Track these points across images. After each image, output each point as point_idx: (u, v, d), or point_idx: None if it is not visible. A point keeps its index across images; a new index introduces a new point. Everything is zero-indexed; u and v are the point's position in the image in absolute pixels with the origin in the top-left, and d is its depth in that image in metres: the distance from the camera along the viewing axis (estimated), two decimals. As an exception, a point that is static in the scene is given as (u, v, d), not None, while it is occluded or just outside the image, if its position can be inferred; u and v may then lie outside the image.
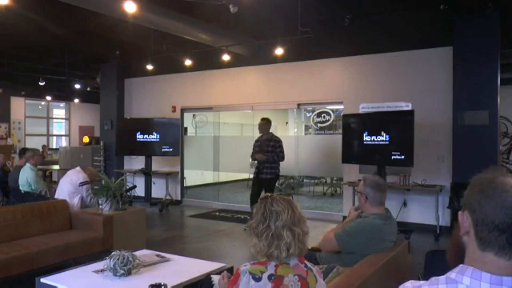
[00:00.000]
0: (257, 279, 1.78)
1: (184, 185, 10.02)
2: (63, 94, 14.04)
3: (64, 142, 16.13)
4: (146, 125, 9.34)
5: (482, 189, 0.99)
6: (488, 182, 0.99)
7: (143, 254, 3.55)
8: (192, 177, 10.61)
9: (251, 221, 1.95)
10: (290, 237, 1.85)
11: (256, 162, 6.94)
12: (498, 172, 1.01)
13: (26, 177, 6.01)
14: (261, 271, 1.80)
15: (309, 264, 1.94)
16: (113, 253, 3.01)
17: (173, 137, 9.29)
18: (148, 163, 9.33)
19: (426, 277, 1.05)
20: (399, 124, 6.31)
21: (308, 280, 1.87)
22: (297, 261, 1.88)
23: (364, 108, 7.09)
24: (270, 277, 1.80)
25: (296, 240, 1.86)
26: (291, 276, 1.83)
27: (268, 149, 6.70)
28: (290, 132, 13.19)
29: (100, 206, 5.02)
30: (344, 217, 6.17)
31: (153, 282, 2.34)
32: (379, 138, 6.38)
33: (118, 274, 2.95)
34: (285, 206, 1.90)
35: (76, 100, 14.53)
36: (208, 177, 10.76)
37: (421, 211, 7.04)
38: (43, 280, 2.98)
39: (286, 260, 1.85)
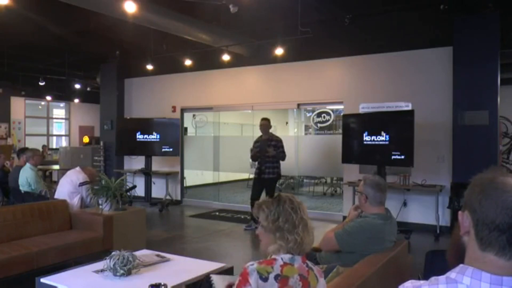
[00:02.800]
0: (264, 279, 1.78)
1: (184, 185, 10.02)
2: (63, 94, 14.04)
3: (64, 142, 16.13)
4: (146, 125, 9.34)
5: (482, 189, 0.99)
6: (488, 182, 0.99)
7: (143, 254, 3.54)
8: (192, 177, 10.61)
9: (270, 221, 1.93)
10: (312, 226, 1.98)
11: (256, 162, 6.94)
12: (499, 172, 1.00)
13: (26, 177, 6.00)
14: (267, 271, 1.80)
15: (310, 263, 1.96)
16: (113, 253, 3.01)
17: (173, 137, 9.28)
18: (148, 163, 9.33)
19: (426, 277, 1.05)
20: (399, 124, 6.31)
21: (309, 280, 1.88)
22: (300, 261, 1.89)
23: (364, 108, 7.10)
24: (276, 278, 1.80)
25: (312, 228, 1.98)
26: (296, 276, 1.84)
27: (270, 149, 6.71)
28: (290, 132, 13.19)
29: (100, 206, 5.02)
30: (344, 217, 6.17)
31: (153, 282, 2.34)
32: (379, 138, 6.38)
33: (118, 274, 2.95)
34: (299, 200, 2.04)
35: (76, 100, 14.54)
36: (208, 177, 10.76)
37: (421, 211, 7.04)
38: (43, 280, 2.98)
39: (291, 261, 1.86)
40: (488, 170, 1.03)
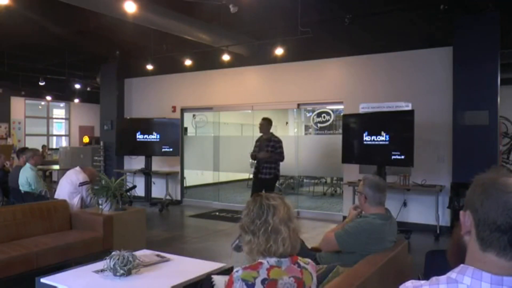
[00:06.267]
0: (250, 285, 1.77)
1: (184, 185, 10.01)
2: (63, 94, 14.05)
3: (64, 142, 16.14)
4: (146, 125, 9.34)
5: (484, 189, 0.98)
6: (490, 183, 0.99)
7: (143, 254, 3.54)
8: (192, 177, 10.60)
9: (244, 219, 1.93)
10: (287, 232, 1.86)
11: (255, 161, 6.94)
12: (501, 173, 1.00)
13: (26, 177, 6.00)
14: (253, 276, 1.78)
15: (302, 263, 1.92)
16: (113, 253, 3.01)
17: (173, 137, 9.28)
18: (148, 163, 9.33)
19: (426, 277, 1.05)
20: (399, 124, 6.30)
21: (304, 279, 1.87)
22: (289, 263, 1.86)
23: (364, 108, 7.10)
24: (263, 282, 1.78)
25: (292, 235, 1.88)
26: (286, 278, 1.81)
27: (267, 149, 6.70)
28: (290, 132, 13.19)
29: (100, 206, 5.02)
30: (344, 217, 6.17)
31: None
32: (379, 138, 6.37)
33: (118, 274, 2.95)
34: (280, 202, 1.92)
35: (76, 100, 14.54)
36: (208, 177, 10.76)
37: (421, 211, 7.04)
38: (43, 280, 2.98)
39: (278, 264, 1.84)
40: (490, 170, 1.03)
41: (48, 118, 15.92)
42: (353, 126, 7.01)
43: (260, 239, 1.84)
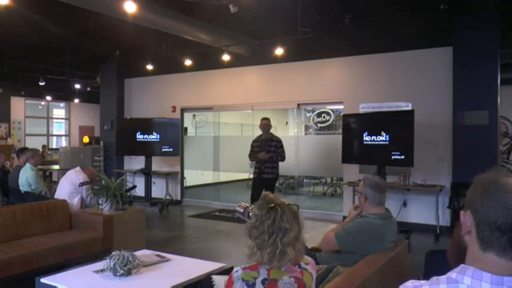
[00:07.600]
0: (251, 285, 1.77)
1: (184, 185, 10.01)
2: (63, 94, 14.05)
3: (64, 142, 16.14)
4: (146, 125, 9.34)
5: (485, 189, 0.99)
6: (491, 183, 0.99)
7: (143, 254, 3.54)
8: (192, 177, 10.60)
9: (252, 223, 1.89)
10: (293, 254, 1.83)
11: (255, 162, 6.95)
12: (501, 173, 1.00)
13: (26, 177, 6.00)
14: (253, 276, 1.79)
15: (303, 264, 1.92)
16: (113, 253, 3.01)
17: (173, 137, 9.28)
18: (148, 163, 9.33)
19: (426, 277, 1.05)
20: (399, 124, 6.30)
21: (305, 280, 1.87)
22: (289, 264, 1.87)
23: (364, 108, 7.10)
24: (263, 282, 1.78)
25: (297, 253, 1.86)
26: (286, 278, 1.81)
27: (270, 149, 6.73)
28: (290, 132, 13.19)
29: (100, 206, 5.02)
30: (344, 217, 6.17)
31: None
32: (379, 138, 6.37)
33: (118, 274, 2.95)
34: (293, 222, 1.85)
35: (76, 100, 14.55)
36: (208, 177, 10.75)
37: (421, 211, 7.04)
38: (43, 280, 2.98)
39: (278, 265, 1.84)
40: (491, 170, 1.03)
41: (48, 118, 15.92)
42: (353, 126, 7.01)
43: (265, 257, 1.81)
